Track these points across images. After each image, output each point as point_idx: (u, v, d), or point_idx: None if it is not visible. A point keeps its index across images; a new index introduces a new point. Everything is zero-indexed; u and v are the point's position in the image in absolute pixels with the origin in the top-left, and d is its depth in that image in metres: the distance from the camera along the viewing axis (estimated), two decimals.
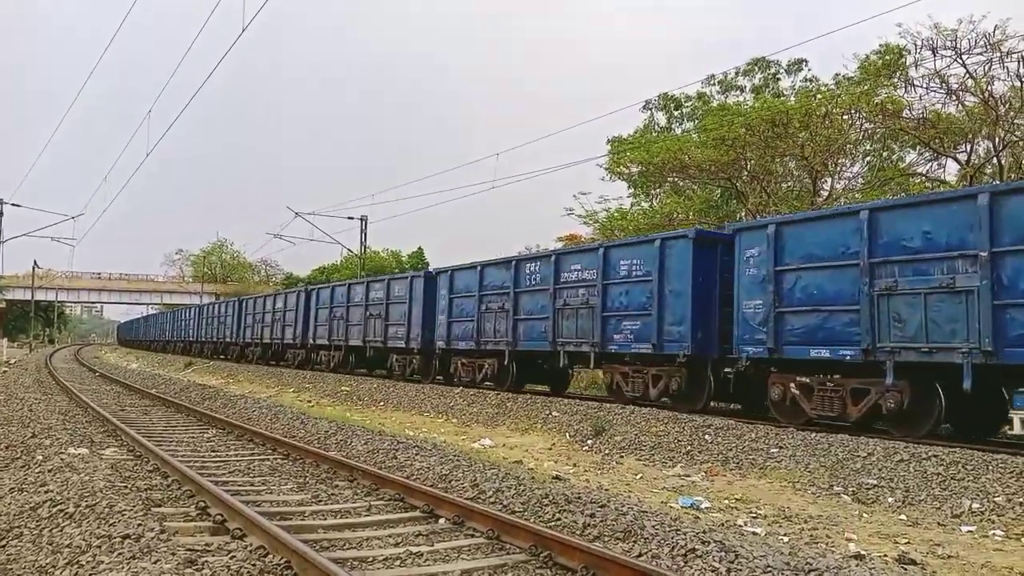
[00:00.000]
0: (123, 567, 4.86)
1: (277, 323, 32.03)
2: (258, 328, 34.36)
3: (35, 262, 66.85)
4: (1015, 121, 20.26)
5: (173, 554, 5.22)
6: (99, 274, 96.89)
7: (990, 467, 8.34)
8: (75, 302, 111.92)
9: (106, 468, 8.55)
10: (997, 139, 20.48)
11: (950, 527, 7.39)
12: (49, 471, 8.22)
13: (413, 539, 6.24)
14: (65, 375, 28.23)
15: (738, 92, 31.10)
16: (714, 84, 31.44)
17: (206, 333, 44.02)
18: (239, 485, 8.22)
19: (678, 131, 31.69)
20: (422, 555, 5.78)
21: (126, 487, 7.54)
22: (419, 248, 65.45)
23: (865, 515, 7.85)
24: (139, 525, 5.84)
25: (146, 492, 7.51)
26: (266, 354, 33.59)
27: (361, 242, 42.19)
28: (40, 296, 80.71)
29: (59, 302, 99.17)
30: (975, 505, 7.75)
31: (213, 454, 10.49)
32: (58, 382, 23.82)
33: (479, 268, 18.92)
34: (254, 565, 5.23)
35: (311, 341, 28.42)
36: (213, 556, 5.42)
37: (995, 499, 7.78)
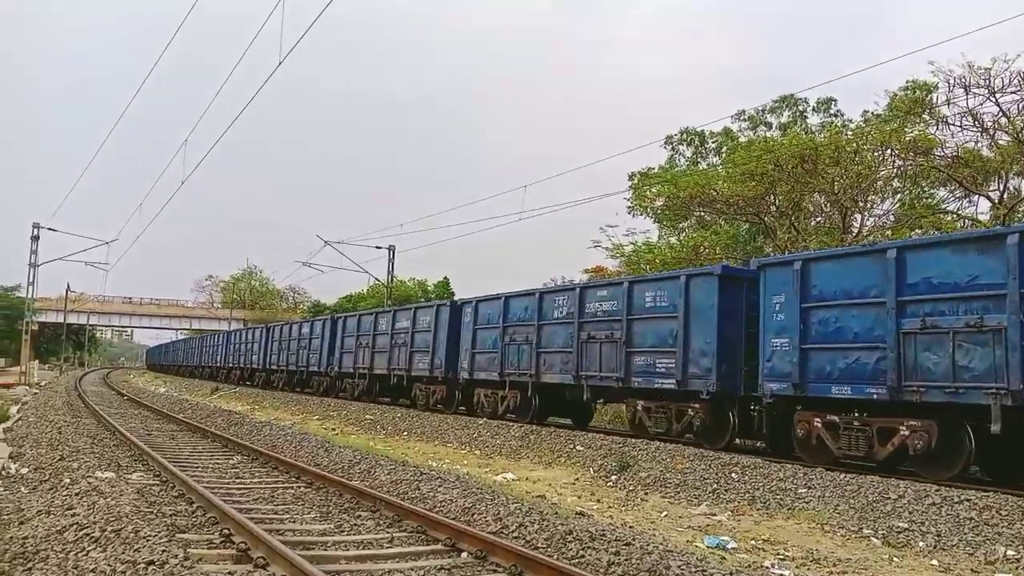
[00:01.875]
0: None
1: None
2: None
3: (68, 285, 68.05)
4: None
5: None
6: (130, 298, 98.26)
7: None
8: (106, 326, 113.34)
9: (132, 493, 8.61)
10: None
11: (984, 574, 7.21)
12: (76, 494, 8.30)
13: (435, 572, 6.21)
14: (94, 398, 28.53)
15: (766, 128, 31.10)
16: (744, 119, 31.49)
17: (233, 359, 44.30)
18: (263, 513, 8.23)
19: (703, 165, 31.68)
20: None
21: (152, 512, 7.59)
22: (445, 278, 65.66)
23: (896, 559, 7.69)
24: (163, 551, 5.87)
25: (171, 518, 7.54)
26: (292, 380, 33.68)
27: (388, 271, 42.46)
28: (72, 319, 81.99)
29: (90, 325, 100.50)
30: (1010, 552, 7.56)
31: (238, 481, 10.52)
32: (87, 405, 24.08)
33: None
34: None
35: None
36: None
37: None
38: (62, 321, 72.56)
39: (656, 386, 14.29)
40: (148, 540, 6.24)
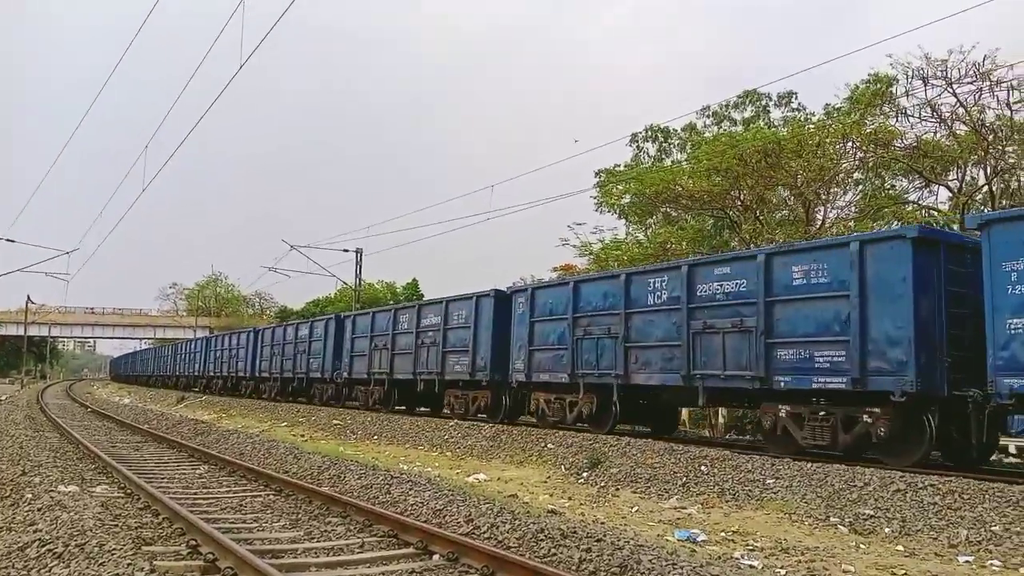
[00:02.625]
0: None
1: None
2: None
3: (28, 297, 66.72)
4: (1005, 148, 20.45)
5: None
6: (92, 309, 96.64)
7: (986, 496, 8.29)
8: (68, 337, 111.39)
9: (96, 506, 8.46)
10: (988, 167, 20.66)
11: (947, 557, 7.33)
12: (38, 509, 8.13)
13: None
14: (57, 411, 28.02)
15: (730, 124, 31.42)
16: (708, 115, 31.78)
17: (215, 367, 40.19)
18: (231, 522, 8.13)
19: (668, 162, 31.92)
20: None
21: (116, 525, 7.46)
22: (414, 280, 65.48)
23: (862, 546, 7.79)
24: (129, 565, 5.77)
25: (136, 530, 7.42)
26: (286, 389, 30.59)
27: (356, 274, 42.15)
28: (33, 331, 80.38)
29: (52, 337, 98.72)
30: (972, 535, 7.70)
31: (205, 491, 10.38)
32: (49, 418, 23.64)
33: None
34: None
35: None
36: None
37: (992, 528, 7.73)
38: (22, 334, 71.13)
39: (817, 387, 11.17)
40: (113, 554, 6.12)
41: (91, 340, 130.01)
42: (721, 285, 12.73)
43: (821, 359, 11.16)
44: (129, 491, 9.92)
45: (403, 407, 23.05)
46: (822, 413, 11.25)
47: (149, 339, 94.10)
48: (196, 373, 44.17)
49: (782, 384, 11.62)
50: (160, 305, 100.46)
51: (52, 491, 9.47)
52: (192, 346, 45.84)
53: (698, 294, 13.09)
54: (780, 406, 11.83)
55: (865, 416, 10.68)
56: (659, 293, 13.96)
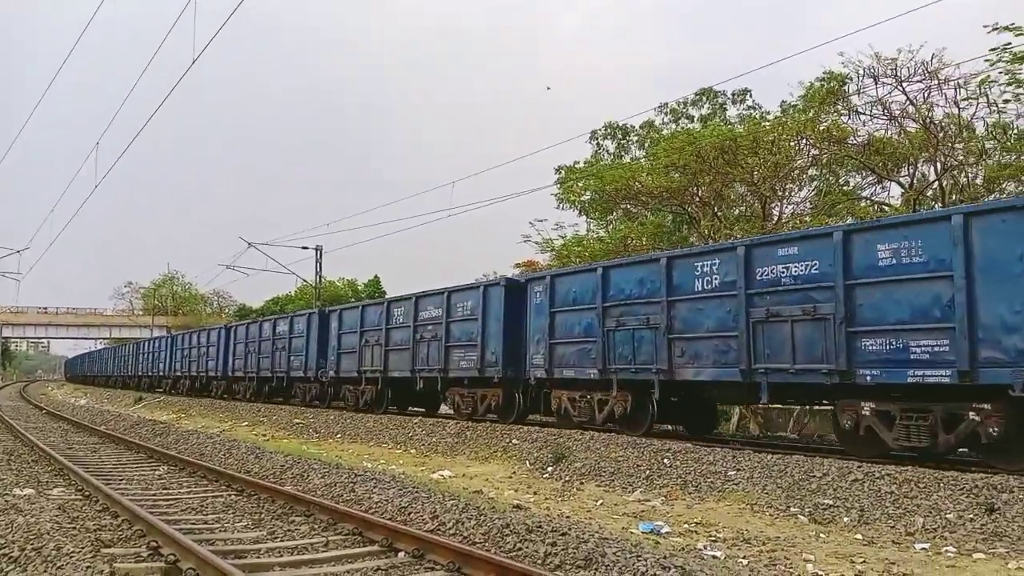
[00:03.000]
0: None
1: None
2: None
3: None
4: (954, 146, 20.93)
5: None
6: (46, 308, 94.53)
7: (942, 484, 8.50)
8: (21, 338, 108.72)
9: (53, 509, 8.30)
10: (938, 163, 21.13)
11: (904, 545, 7.51)
12: None
13: (372, 574, 6.15)
14: (10, 413, 27.37)
15: (687, 121, 31.74)
16: (666, 112, 32.06)
17: (182, 366, 38.13)
18: (192, 523, 8.02)
19: (627, 159, 32.15)
20: None
21: (74, 528, 7.33)
22: (376, 276, 65.07)
23: (822, 535, 7.94)
24: (87, 567, 5.68)
25: (95, 533, 7.28)
26: (262, 390, 28.84)
27: (317, 272, 41.77)
28: None
29: (4, 338, 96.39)
30: (928, 523, 7.89)
31: (164, 492, 10.23)
32: (2, 420, 23.07)
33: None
34: None
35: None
36: None
37: (947, 516, 7.93)
38: None
39: (910, 381, 9.92)
40: (71, 557, 6.02)
41: (45, 340, 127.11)
42: (787, 268, 11.42)
43: (918, 349, 9.88)
44: (87, 493, 9.73)
45: (394, 408, 21.59)
46: (917, 411, 10.07)
47: (104, 339, 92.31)
48: (160, 373, 42.20)
49: (868, 378, 10.31)
50: (115, 304, 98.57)
51: (7, 495, 9.27)
52: (156, 344, 44.30)
53: (758, 278, 11.76)
54: (863, 403, 10.59)
55: (972, 413, 9.46)
56: (709, 278, 12.58)
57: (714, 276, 12.51)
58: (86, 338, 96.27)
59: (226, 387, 32.46)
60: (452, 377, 18.27)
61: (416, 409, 21.64)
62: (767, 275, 11.66)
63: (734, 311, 12.01)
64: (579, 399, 14.89)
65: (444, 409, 20.86)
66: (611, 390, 14.07)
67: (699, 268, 12.75)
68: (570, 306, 15.17)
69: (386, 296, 20.24)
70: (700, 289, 12.67)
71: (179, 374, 38.69)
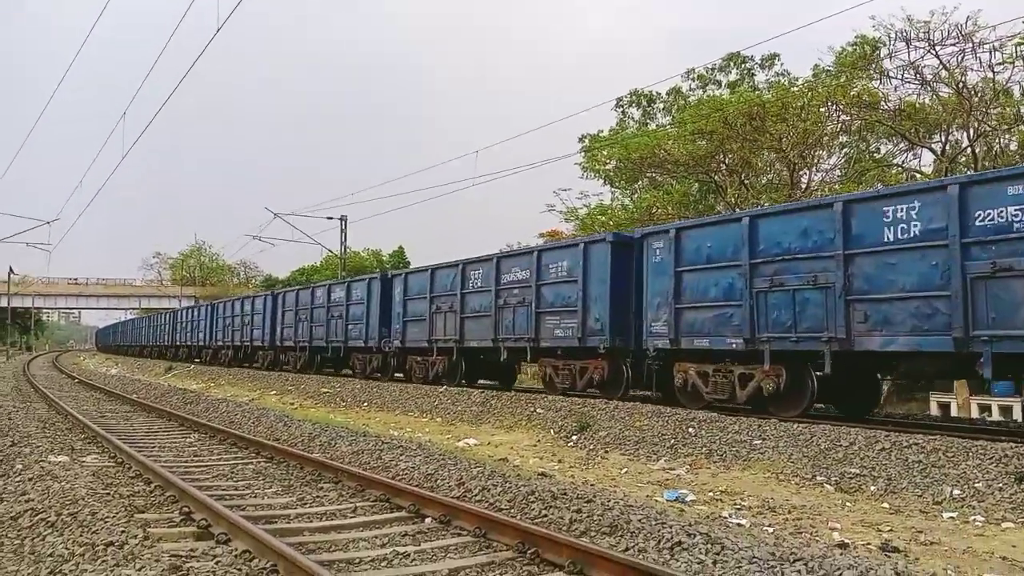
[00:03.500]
0: (106, 575, 4.81)
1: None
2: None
3: (10, 268, 66.10)
4: (988, 111, 20.50)
5: (157, 560, 5.18)
6: (76, 279, 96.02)
7: (970, 454, 8.43)
8: (52, 308, 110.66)
9: (88, 475, 8.47)
10: (971, 129, 20.72)
11: (932, 514, 7.47)
12: (29, 480, 8.13)
13: (400, 539, 6.23)
14: (44, 382, 27.91)
15: (715, 87, 31.31)
16: (693, 78, 31.63)
17: (223, 336, 36.38)
18: (223, 489, 8.16)
19: (653, 127, 31.84)
20: (409, 555, 5.76)
21: (108, 494, 7.48)
22: (400, 247, 65.36)
23: (848, 504, 7.92)
24: (122, 532, 5.79)
25: (129, 499, 7.44)
26: (314, 360, 27.38)
27: (341, 242, 41.97)
28: (16, 303, 79.89)
29: (36, 308, 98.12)
30: (956, 492, 7.84)
31: (196, 459, 10.41)
32: (37, 389, 23.55)
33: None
34: (240, 570, 5.20)
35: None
36: (198, 561, 5.38)
37: (975, 485, 7.87)
38: (5, 305, 70.64)
39: None
40: (106, 522, 6.14)
41: (75, 311, 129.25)
42: (1021, 210, 9.20)
43: None
44: (120, 460, 9.93)
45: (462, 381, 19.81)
46: None
47: (134, 309, 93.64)
48: (200, 343, 40.54)
49: None
50: (144, 275, 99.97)
51: (42, 461, 9.47)
52: (195, 313, 43.21)
53: (978, 224, 9.54)
54: None
55: None
56: (906, 225, 10.31)
57: (913, 223, 10.28)
58: (116, 308, 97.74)
59: (273, 357, 30.79)
60: (544, 347, 16.51)
61: (486, 382, 20.09)
62: (992, 220, 9.46)
63: (943, 265, 9.85)
64: (713, 374, 12.93)
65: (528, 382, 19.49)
66: (761, 363, 12.06)
67: (890, 214, 10.50)
68: (704, 264, 13.05)
69: (455, 260, 19.17)
70: (892, 239, 10.46)
71: (220, 343, 37.09)
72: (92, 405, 18.74)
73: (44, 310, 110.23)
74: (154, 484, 8.19)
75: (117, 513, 6.48)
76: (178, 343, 45.86)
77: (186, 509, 6.87)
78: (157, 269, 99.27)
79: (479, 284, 18.52)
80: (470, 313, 18.71)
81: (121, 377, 34.63)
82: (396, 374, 22.48)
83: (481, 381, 20.16)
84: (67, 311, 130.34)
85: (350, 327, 24.38)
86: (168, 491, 7.74)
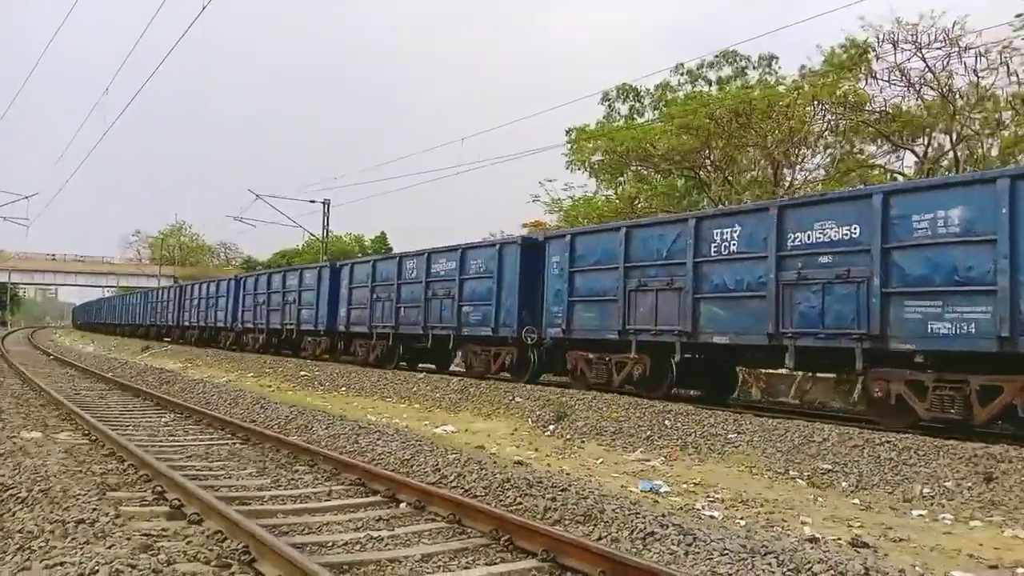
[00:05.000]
0: (76, 552, 4.78)
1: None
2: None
3: None
4: (971, 115, 20.66)
5: (128, 539, 5.15)
6: (54, 255, 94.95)
7: (941, 452, 8.53)
8: (29, 284, 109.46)
9: (60, 452, 8.41)
10: (954, 132, 20.88)
11: (902, 511, 7.56)
12: (1, 455, 8.05)
13: (374, 524, 6.23)
14: (18, 358, 27.64)
15: (705, 84, 31.30)
16: (683, 73, 31.60)
17: (190, 317, 36.99)
18: (197, 470, 8.12)
19: (640, 120, 31.81)
20: (382, 539, 5.77)
21: (80, 471, 7.43)
22: (382, 232, 65.13)
23: (820, 499, 8.00)
24: (94, 510, 5.76)
25: (101, 477, 7.39)
26: (271, 341, 28.14)
27: (323, 226, 41.81)
28: None
29: (12, 284, 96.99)
30: (926, 490, 7.94)
31: (170, 439, 10.35)
32: (11, 365, 23.32)
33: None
34: (211, 550, 5.18)
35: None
36: (169, 541, 5.36)
37: (945, 484, 7.97)
38: None
39: None
40: (77, 499, 6.11)
41: (52, 287, 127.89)
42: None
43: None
44: (94, 438, 9.85)
45: (404, 364, 21.34)
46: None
47: (112, 287, 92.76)
48: (169, 322, 41.71)
49: None
50: (123, 253, 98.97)
51: (15, 437, 9.39)
52: (165, 294, 44.05)
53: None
54: None
55: None
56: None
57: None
58: (94, 286, 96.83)
59: (235, 339, 32.07)
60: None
61: (426, 365, 21.44)
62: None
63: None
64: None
65: (454, 367, 20.84)
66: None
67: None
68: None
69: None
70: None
71: (187, 324, 38.33)
72: (67, 382, 18.58)
73: (20, 285, 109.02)
74: (127, 463, 8.13)
75: (89, 491, 6.44)
76: (148, 322, 46.58)
77: (159, 488, 6.83)
78: (136, 247, 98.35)
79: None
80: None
81: (97, 355, 34.33)
82: (343, 356, 23.78)
83: (421, 365, 21.53)
84: (44, 287, 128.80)
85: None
86: (141, 470, 7.69)
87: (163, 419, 12.36)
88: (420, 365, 21.49)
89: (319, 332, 25.04)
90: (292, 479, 7.90)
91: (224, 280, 35.12)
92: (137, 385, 17.36)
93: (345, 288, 23.40)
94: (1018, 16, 16.77)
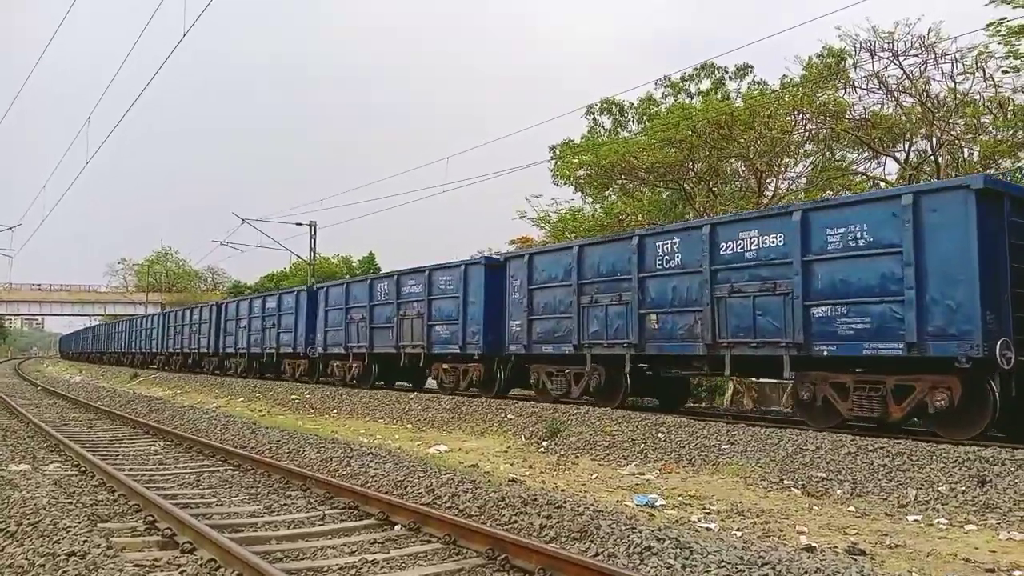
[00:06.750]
0: None
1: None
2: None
3: None
4: (950, 121, 20.85)
5: (120, 570, 5.09)
6: (39, 285, 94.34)
7: (934, 457, 8.56)
8: (15, 315, 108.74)
9: (49, 484, 8.31)
10: (934, 139, 21.06)
11: (897, 517, 7.56)
12: None
13: (368, 547, 6.18)
14: (6, 389, 27.37)
15: (687, 96, 31.53)
16: (666, 85, 31.83)
17: (175, 343, 37.05)
18: (188, 498, 8.05)
19: (624, 134, 31.98)
20: (378, 563, 5.72)
21: (71, 503, 7.34)
22: (370, 253, 64.90)
23: (815, 508, 8.00)
24: (85, 542, 5.68)
25: (92, 508, 7.30)
26: (253, 365, 28.43)
27: (311, 248, 41.66)
28: None
29: None
30: (920, 495, 7.95)
31: (161, 467, 10.25)
32: None
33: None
34: None
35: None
36: (162, 571, 5.31)
37: (939, 488, 7.98)
38: None
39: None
40: (68, 531, 6.03)
41: (39, 317, 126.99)
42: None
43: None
44: (83, 469, 9.75)
45: (381, 383, 21.52)
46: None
47: (99, 315, 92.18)
48: (154, 350, 42.06)
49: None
50: (109, 281, 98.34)
51: (3, 470, 9.27)
52: (148, 322, 44.50)
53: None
54: None
55: None
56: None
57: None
58: (80, 315, 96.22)
59: (218, 363, 32.28)
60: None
61: (403, 384, 21.74)
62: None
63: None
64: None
65: (431, 383, 20.81)
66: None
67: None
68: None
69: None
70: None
71: (172, 351, 38.50)
72: (55, 413, 18.40)
73: (6, 316, 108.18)
74: (118, 493, 8.05)
75: (80, 523, 6.36)
76: (134, 350, 47.01)
77: (150, 518, 6.76)
78: (122, 275, 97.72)
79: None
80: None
81: (85, 384, 34.03)
82: (322, 377, 24.04)
83: (399, 384, 21.93)
84: (30, 317, 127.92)
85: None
86: (132, 500, 7.61)
87: (153, 447, 12.25)
88: (397, 384, 21.83)
89: (298, 355, 25.41)
90: (285, 504, 7.84)
91: (206, 306, 35.41)
92: (126, 414, 17.21)
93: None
94: (990, 24, 16.95)
